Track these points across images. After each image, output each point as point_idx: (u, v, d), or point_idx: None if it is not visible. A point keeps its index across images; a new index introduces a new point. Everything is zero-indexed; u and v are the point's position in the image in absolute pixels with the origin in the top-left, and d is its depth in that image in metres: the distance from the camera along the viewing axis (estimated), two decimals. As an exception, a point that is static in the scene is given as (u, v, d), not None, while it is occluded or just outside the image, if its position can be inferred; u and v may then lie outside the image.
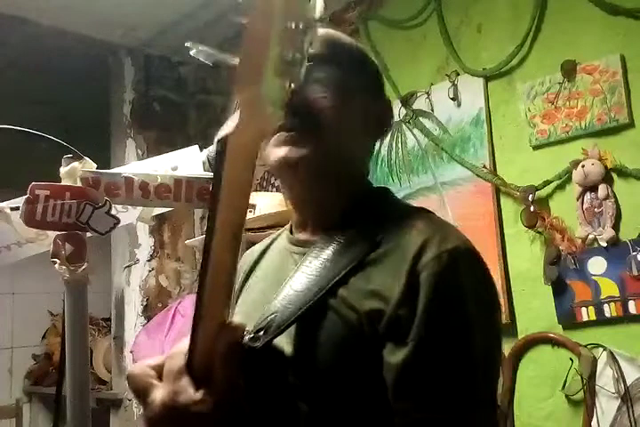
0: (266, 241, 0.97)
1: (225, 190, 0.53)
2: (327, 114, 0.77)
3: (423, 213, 0.82)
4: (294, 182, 0.83)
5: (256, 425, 0.67)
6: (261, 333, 0.73)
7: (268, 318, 0.73)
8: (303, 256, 0.79)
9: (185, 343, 0.62)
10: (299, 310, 0.72)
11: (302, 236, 0.86)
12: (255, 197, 1.76)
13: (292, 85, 0.50)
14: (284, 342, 0.73)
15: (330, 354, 0.71)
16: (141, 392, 0.64)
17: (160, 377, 0.64)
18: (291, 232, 0.89)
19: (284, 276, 0.79)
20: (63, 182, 1.43)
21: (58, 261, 1.40)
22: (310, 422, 0.71)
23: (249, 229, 1.59)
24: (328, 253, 0.76)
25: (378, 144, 0.90)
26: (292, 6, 0.47)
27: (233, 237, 0.55)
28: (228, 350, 0.60)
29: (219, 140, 0.53)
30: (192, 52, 0.60)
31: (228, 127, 0.51)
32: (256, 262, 0.93)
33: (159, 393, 0.61)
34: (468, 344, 0.69)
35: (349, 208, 0.82)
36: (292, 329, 0.73)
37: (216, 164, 0.53)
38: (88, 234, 1.43)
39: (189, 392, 0.60)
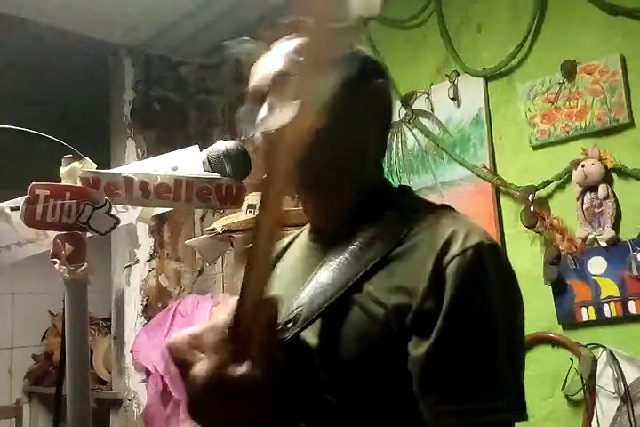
0: (288, 237, 0.98)
1: (274, 181, 0.56)
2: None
3: (445, 209, 0.82)
4: (296, 184, 0.82)
5: (296, 400, 0.67)
6: (289, 325, 0.74)
7: (295, 311, 0.75)
8: (324, 252, 0.80)
9: (221, 317, 0.62)
10: (325, 304, 0.73)
11: (320, 234, 0.86)
12: (256, 197, 1.75)
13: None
14: (311, 335, 0.74)
15: (356, 348, 0.72)
16: (185, 364, 0.64)
17: (200, 348, 0.64)
18: (310, 230, 0.90)
19: (306, 271, 0.80)
20: (63, 182, 1.43)
21: (58, 261, 1.40)
22: (338, 414, 0.72)
23: (250, 230, 1.58)
24: (352, 248, 0.77)
25: (387, 131, 0.88)
26: (344, 6, 0.50)
27: (276, 224, 0.60)
28: (268, 322, 0.61)
29: (275, 130, 0.55)
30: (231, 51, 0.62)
31: (280, 119, 0.54)
32: (278, 257, 0.94)
33: (205, 365, 0.61)
34: (492, 336, 0.70)
35: (363, 203, 0.82)
36: (318, 322, 0.74)
37: (267, 151, 0.56)
38: (88, 234, 1.42)
39: (235, 364, 0.60)
